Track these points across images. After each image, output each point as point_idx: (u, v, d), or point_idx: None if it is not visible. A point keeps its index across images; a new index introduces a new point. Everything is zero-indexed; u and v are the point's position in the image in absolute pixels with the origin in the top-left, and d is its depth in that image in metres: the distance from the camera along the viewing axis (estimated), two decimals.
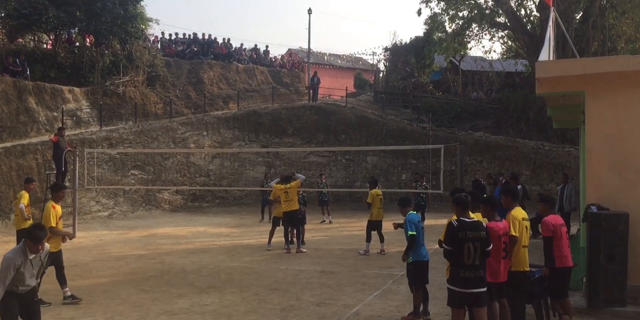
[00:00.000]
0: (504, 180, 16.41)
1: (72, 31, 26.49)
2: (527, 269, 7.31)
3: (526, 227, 7.32)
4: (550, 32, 11.81)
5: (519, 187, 14.09)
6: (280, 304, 9.17)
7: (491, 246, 6.61)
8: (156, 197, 23.79)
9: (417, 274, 8.28)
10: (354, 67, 49.51)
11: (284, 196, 14.29)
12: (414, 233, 8.27)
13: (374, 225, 13.99)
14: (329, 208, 20.56)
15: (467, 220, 6.53)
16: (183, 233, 18.00)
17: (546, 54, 10.72)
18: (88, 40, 26.97)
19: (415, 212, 8.82)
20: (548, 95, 10.83)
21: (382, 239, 13.96)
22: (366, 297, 9.59)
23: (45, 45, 26.49)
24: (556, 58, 14.10)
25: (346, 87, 32.86)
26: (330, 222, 20.20)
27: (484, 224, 6.65)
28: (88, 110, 24.10)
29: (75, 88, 23.96)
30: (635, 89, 8.96)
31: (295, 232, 14.65)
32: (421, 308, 8.29)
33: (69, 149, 17.76)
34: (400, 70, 35.77)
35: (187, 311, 8.81)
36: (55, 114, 22.41)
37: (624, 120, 8.98)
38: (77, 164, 17.55)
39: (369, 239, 13.88)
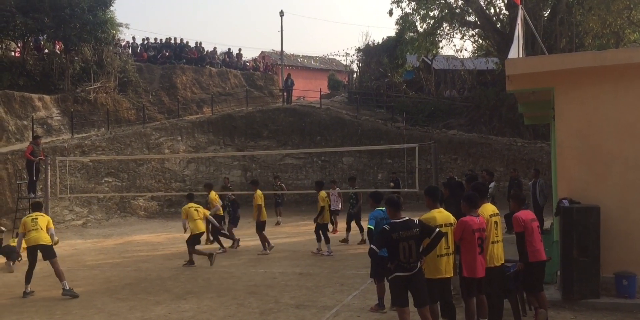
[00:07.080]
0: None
1: (41, 38, 26.14)
2: (498, 263, 7.34)
3: (496, 222, 7.38)
4: (519, 29, 11.95)
5: (492, 183, 14.35)
6: (259, 308, 9.13)
7: (434, 235, 6.70)
8: (131, 204, 23.51)
9: (379, 267, 8.35)
10: (328, 69, 49.49)
11: (194, 214, 13.49)
12: (371, 227, 8.64)
13: (322, 227, 14.42)
14: (281, 209, 21.33)
15: (398, 221, 6.73)
16: (159, 240, 17.82)
17: (515, 51, 10.84)
18: (57, 46, 26.61)
19: (382, 209, 8.79)
20: (518, 92, 10.95)
21: (327, 240, 14.32)
22: (345, 298, 9.59)
23: (13, 53, 26.07)
24: (525, 55, 14.30)
25: (320, 89, 32.83)
26: (279, 223, 20.67)
27: (415, 221, 6.78)
28: (59, 118, 23.76)
29: (45, 96, 23.61)
30: (602, 84, 9.11)
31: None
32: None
33: (41, 158, 17.45)
34: (374, 71, 35.84)
35: (164, 318, 8.72)
36: (25, 122, 22.04)
37: (592, 115, 9.13)
38: (49, 173, 17.26)
39: (327, 240, 14.28)
